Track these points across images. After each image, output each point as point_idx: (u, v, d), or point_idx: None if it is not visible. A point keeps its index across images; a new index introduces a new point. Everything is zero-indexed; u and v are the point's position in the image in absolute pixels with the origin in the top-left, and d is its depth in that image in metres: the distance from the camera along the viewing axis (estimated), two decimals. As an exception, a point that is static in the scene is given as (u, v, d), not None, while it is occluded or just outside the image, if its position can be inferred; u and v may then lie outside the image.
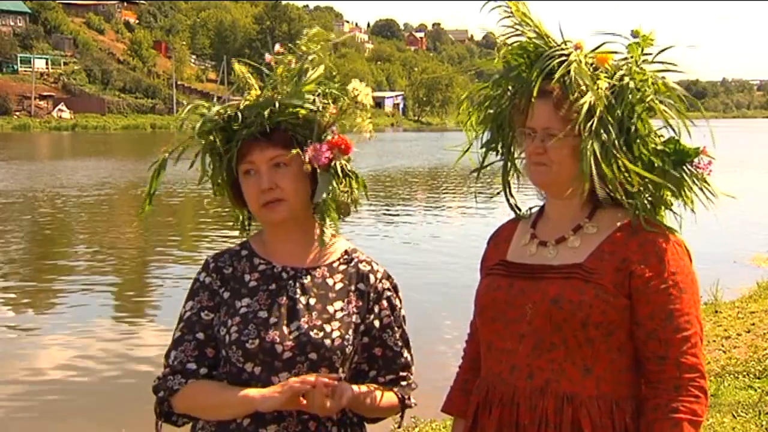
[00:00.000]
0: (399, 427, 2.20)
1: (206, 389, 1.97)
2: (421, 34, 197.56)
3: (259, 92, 2.04)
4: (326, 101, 2.02)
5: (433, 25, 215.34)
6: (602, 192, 1.84)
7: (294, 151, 1.96)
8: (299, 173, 1.97)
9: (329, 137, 2.00)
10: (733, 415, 5.02)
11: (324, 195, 1.96)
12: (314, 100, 2.00)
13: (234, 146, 1.99)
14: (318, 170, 1.97)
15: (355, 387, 1.96)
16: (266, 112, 1.96)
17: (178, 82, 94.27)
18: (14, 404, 6.54)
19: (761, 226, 14.67)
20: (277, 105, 1.97)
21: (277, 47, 2.06)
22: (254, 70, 2.12)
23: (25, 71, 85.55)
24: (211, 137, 2.02)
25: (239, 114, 1.99)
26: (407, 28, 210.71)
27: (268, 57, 2.05)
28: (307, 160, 1.95)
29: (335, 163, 1.97)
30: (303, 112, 1.99)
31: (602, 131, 1.80)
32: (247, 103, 2.02)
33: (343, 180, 2.01)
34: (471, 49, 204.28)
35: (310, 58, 2.03)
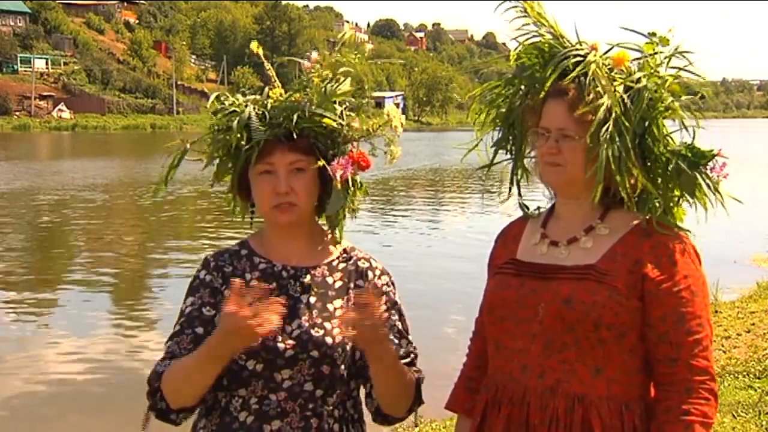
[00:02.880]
0: (416, 426, 2.20)
1: (178, 362, 1.92)
2: (421, 34, 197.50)
3: (282, 91, 2.04)
4: (353, 115, 2.04)
5: (433, 25, 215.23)
6: (613, 193, 1.84)
7: (321, 163, 1.97)
8: (313, 180, 2.00)
9: (348, 150, 2.02)
10: (733, 415, 5.03)
11: (337, 207, 1.99)
12: (342, 112, 2.02)
13: (256, 145, 1.98)
14: (335, 181, 1.98)
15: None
16: (294, 117, 1.97)
17: (178, 82, 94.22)
18: (15, 404, 6.55)
19: (761, 226, 14.68)
20: (306, 112, 1.98)
21: (315, 56, 2.07)
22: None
23: (25, 71, 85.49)
24: (236, 134, 2.00)
25: (267, 114, 1.99)
26: (407, 28, 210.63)
27: (307, 64, 2.06)
28: (338, 177, 1.95)
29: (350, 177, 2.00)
30: (330, 122, 2.00)
31: (617, 136, 1.80)
32: (275, 103, 2.02)
33: (351, 189, 2.03)
34: (471, 49, 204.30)
35: (341, 69, 2.03)
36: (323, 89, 2.01)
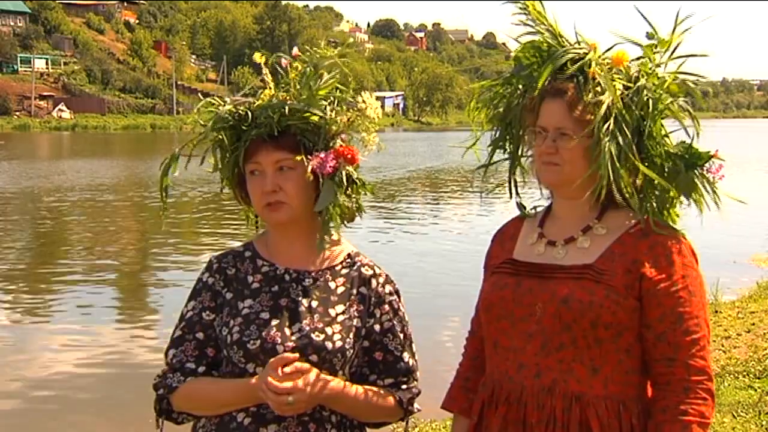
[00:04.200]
0: (405, 431, 2.21)
1: (203, 386, 1.98)
2: (421, 34, 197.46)
3: (272, 92, 2.04)
4: (338, 109, 2.03)
5: (433, 25, 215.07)
6: (616, 194, 1.83)
7: (299, 158, 1.97)
8: (303, 177, 1.98)
9: (336, 145, 2.01)
10: (733, 415, 5.03)
11: (326, 203, 1.97)
12: (325, 107, 2.01)
13: (242, 145, 1.99)
14: (322, 178, 1.97)
15: (339, 382, 1.95)
16: (276, 115, 1.97)
17: (178, 82, 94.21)
18: (15, 404, 6.54)
19: (761, 226, 14.69)
20: (287, 109, 1.98)
21: (295, 51, 2.06)
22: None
23: (25, 71, 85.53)
24: (220, 135, 2.03)
25: (250, 114, 2.00)
26: (407, 28, 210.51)
27: (284, 61, 2.06)
28: (310, 169, 1.95)
29: (340, 172, 1.98)
30: (314, 118, 2.00)
31: (618, 133, 1.80)
32: (259, 103, 2.03)
33: (349, 187, 2.02)
34: (471, 49, 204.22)
35: (325, 63, 2.03)
36: (307, 85, 2.01)
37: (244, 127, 2.00)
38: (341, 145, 2.01)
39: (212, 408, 1.99)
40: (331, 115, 2.01)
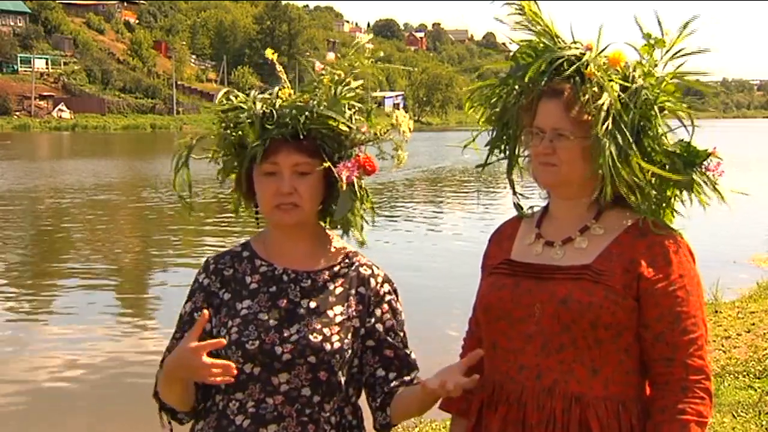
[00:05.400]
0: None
1: (161, 371, 1.98)
2: (421, 34, 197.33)
3: (291, 92, 2.04)
4: (360, 118, 2.03)
5: (433, 25, 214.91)
6: (612, 192, 1.83)
7: (326, 164, 1.96)
8: (317, 182, 1.99)
9: (354, 154, 2.01)
10: (733, 415, 5.03)
11: (344, 212, 1.99)
12: (351, 116, 2.01)
13: (261, 144, 1.97)
14: (339, 185, 1.97)
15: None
16: (303, 117, 1.97)
17: (178, 82, 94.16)
18: (16, 405, 6.54)
19: (761, 226, 14.70)
20: (315, 113, 1.97)
21: (331, 56, 2.06)
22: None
23: (25, 71, 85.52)
24: (241, 132, 2.00)
25: (275, 113, 1.99)
26: (407, 28, 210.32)
27: (318, 66, 2.05)
28: (344, 179, 1.95)
29: (358, 181, 1.99)
30: (342, 126, 2.00)
31: (617, 132, 1.80)
32: (282, 102, 2.02)
33: (359, 195, 2.02)
34: (471, 49, 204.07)
35: (355, 71, 2.03)
36: (333, 91, 2.00)
37: (268, 126, 1.98)
38: (359, 155, 2.01)
39: (165, 390, 1.96)
40: (355, 125, 2.02)
